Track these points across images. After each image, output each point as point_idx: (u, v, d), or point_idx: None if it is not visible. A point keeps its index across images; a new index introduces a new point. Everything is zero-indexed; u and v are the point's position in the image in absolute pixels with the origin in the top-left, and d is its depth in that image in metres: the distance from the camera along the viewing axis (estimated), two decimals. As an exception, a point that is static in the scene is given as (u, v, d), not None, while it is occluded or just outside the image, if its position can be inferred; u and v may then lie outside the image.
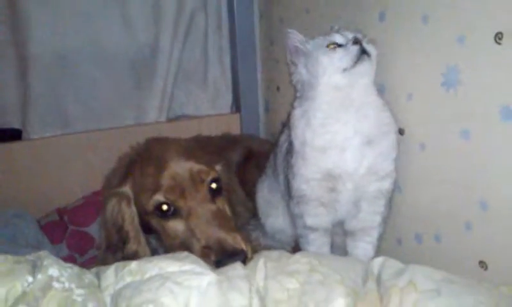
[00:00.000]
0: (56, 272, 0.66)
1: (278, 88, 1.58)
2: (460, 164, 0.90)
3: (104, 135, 1.61)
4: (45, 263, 0.67)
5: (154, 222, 0.98)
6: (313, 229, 1.02)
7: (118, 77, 1.62)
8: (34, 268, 0.66)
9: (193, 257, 0.77)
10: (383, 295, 0.68)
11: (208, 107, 1.76)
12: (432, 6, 0.91)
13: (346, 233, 1.04)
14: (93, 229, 1.43)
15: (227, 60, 1.76)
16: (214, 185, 1.00)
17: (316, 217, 1.01)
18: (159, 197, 0.95)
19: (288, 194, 1.04)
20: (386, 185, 0.98)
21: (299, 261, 0.75)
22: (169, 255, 0.77)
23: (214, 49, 1.74)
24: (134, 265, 0.70)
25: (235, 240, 0.90)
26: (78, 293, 0.63)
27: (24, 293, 0.62)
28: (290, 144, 1.01)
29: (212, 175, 1.00)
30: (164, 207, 0.95)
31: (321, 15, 1.28)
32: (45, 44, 1.49)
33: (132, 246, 0.98)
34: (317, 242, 1.02)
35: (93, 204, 1.50)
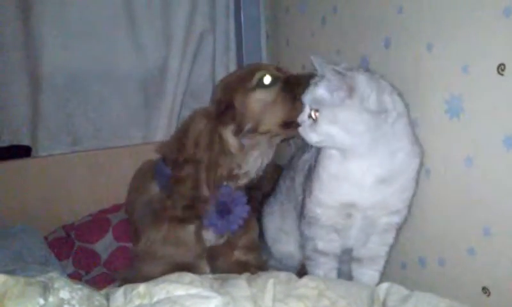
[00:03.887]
0: (67, 294, 0.67)
1: (284, 109, 1.60)
2: (463, 191, 0.91)
3: (112, 153, 1.63)
4: (56, 285, 0.68)
5: (254, 99, 1.05)
6: (323, 253, 1.01)
7: (127, 96, 1.65)
8: (45, 290, 0.67)
9: (200, 280, 0.78)
10: (387, 321, 0.69)
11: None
12: (436, 35, 0.92)
13: (353, 260, 1.03)
14: (99, 247, 1.44)
15: (234, 80, 1.77)
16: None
17: (328, 242, 1.00)
18: (260, 73, 1.05)
19: (301, 213, 1.04)
20: (397, 219, 0.97)
21: (307, 285, 0.76)
22: (175, 278, 0.78)
23: (222, 70, 1.76)
24: (142, 287, 0.71)
25: None
26: (88, 316, 0.64)
27: (36, 316, 0.63)
28: (310, 168, 1.01)
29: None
30: (264, 77, 1.05)
31: (326, 38, 1.30)
32: (56, 64, 1.52)
33: (201, 153, 1.02)
34: (326, 266, 1.02)
35: (100, 221, 1.51)
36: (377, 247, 1.00)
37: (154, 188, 1.15)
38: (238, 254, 1.14)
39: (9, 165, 1.52)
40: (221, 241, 1.13)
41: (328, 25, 1.28)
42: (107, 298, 0.72)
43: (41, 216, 1.51)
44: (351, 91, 0.85)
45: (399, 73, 1.03)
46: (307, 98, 0.90)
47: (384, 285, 0.77)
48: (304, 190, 1.04)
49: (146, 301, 0.69)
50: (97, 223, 1.51)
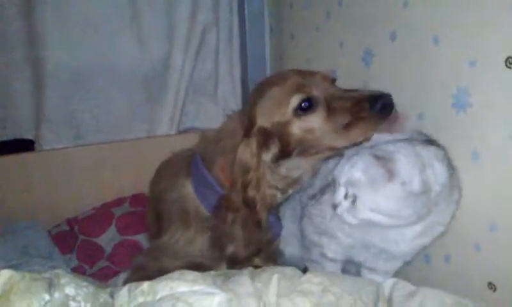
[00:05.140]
0: (73, 291, 0.67)
1: (287, 103, 1.59)
2: (469, 185, 0.90)
3: (116, 147, 1.63)
4: (62, 281, 0.68)
5: (294, 128, 0.97)
6: (332, 259, 1.00)
7: (130, 90, 1.65)
8: (51, 286, 0.67)
9: (202, 277, 0.77)
10: (393, 317, 0.68)
11: (219, 120, 1.77)
12: (443, 28, 0.92)
13: (362, 266, 1.02)
14: (103, 240, 1.45)
15: (237, 75, 1.78)
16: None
17: (336, 252, 1.00)
18: (297, 97, 0.95)
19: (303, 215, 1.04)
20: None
21: (311, 280, 0.75)
22: (177, 275, 0.77)
23: (225, 64, 1.76)
24: (146, 285, 0.71)
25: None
26: (93, 313, 0.64)
27: (41, 312, 0.63)
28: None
29: (331, 76, 1.03)
30: (303, 103, 0.95)
31: (331, 32, 1.29)
32: (59, 59, 1.52)
33: (250, 191, 0.98)
34: (333, 270, 1.01)
35: (103, 215, 1.52)
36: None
37: (188, 187, 1.11)
38: (258, 261, 1.13)
39: (12, 159, 1.52)
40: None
41: (333, 19, 1.27)
42: (112, 295, 0.72)
43: (44, 210, 1.52)
44: (390, 174, 0.79)
45: (405, 67, 1.02)
46: (342, 179, 0.84)
47: (390, 281, 0.77)
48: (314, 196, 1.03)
49: (150, 298, 0.69)
50: (100, 217, 1.52)
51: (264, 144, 0.97)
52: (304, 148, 0.98)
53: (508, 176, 0.82)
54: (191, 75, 1.70)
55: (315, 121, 0.96)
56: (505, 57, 0.79)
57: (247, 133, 1.00)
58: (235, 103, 1.79)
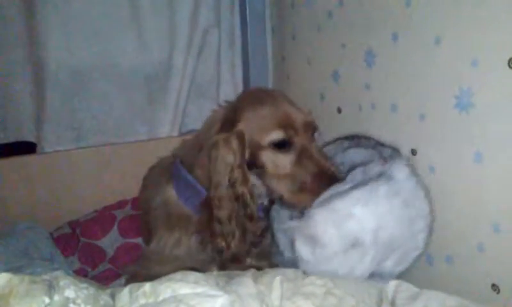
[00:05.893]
0: (73, 293, 0.66)
1: (289, 104, 1.59)
2: (472, 186, 0.89)
3: (117, 149, 1.63)
4: (61, 283, 0.67)
5: (263, 155, 1.04)
6: None
7: (132, 92, 1.65)
8: (51, 289, 0.67)
9: (205, 278, 0.77)
10: (396, 320, 0.68)
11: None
12: (445, 29, 0.91)
13: None
14: (105, 243, 1.44)
15: (239, 76, 1.77)
16: (315, 135, 1.10)
17: None
18: (279, 133, 1.02)
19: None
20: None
21: (314, 283, 0.75)
22: (180, 276, 0.77)
23: (227, 65, 1.75)
24: (148, 286, 0.70)
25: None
26: (93, 315, 0.64)
27: (41, 315, 0.63)
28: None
29: (316, 126, 1.09)
30: (281, 141, 1.02)
31: (333, 33, 1.28)
32: (60, 61, 1.52)
33: (239, 187, 1.02)
34: None
35: (105, 217, 1.52)
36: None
37: (170, 191, 1.15)
38: (251, 261, 1.14)
39: (14, 161, 1.52)
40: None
41: (335, 19, 1.27)
42: (113, 297, 0.72)
43: (46, 212, 1.52)
44: (312, 240, 0.91)
45: (407, 67, 1.02)
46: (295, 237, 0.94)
47: (393, 283, 0.76)
48: None
49: (151, 300, 0.68)
50: (102, 219, 1.51)
51: (242, 146, 1.03)
52: (265, 174, 1.05)
53: (511, 176, 0.82)
54: (193, 76, 1.70)
55: (282, 162, 1.03)
56: (508, 57, 0.78)
57: (225, 124, 1.05)
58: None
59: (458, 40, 0.89)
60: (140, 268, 1.13)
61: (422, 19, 0.97)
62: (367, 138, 1.16)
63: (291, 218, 1.07)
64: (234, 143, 1.02)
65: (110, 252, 1.42)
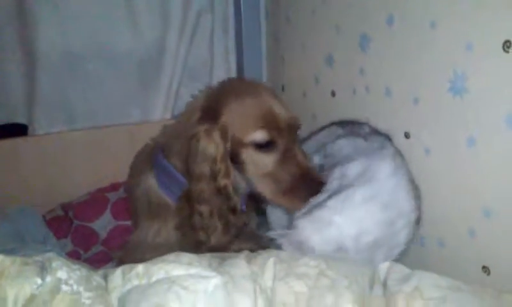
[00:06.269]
0: (65, 274, 0.66)
1: (282, 87, 1.59)
2: (464, 170, 0.90)
3: (110, 132, 1.62)
4: (53, 265, 0.67)
5: (244, 153, 1.01)
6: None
7: (124, 75, 1.63)
8: (43, 270, 0.67)
9: (198, 259, 0.77)
10: (388, 300, 0.68)
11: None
12: (440, 12, 0.90)
13: None
14: (98, 225, 1.44)
15: (233, 59, 1.76)
16: (298, 133, 1.08)
17: None
18: (263, 134, 0.99)
19: None
20: None
21: (308, 263, 0.75)
22: (173, 257, 0.77)
23: (220, 48, 1.74)
24: (140, 267, 0.70)
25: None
26: (86, 296, 0.64)
27: (33, 296, 0.62)
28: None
29: (300, 125, 1.07)
30: (264, 142, 1.00)
31: (327, 16, 1.27)
32: (52, 42, 1.49)
33: (221, 180, 1.00)
34: None
35: (98, 200, 1.51)
36: None
37: (151, 180, 1.14)
38: (239, 244, 1.14)
39: (5, 143, 1.51)
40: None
41: (329, 2, 1.26)
42: (105, 278, 0.72)
43: (38, 195, 1.51)
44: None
45: (402, 52, 1.01)
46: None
47: (385, 264, 0.77)
48: None
49: (144, 281, 0.69)
50: (95, 202, 1.51)
51: (225, 139, 1.00)
52: (245, 170, 1.03)
53: (504, 161, 0.82)
54: (186, 59, 1.68)
55: (264, 163, 1.01)
56: (502, 41, 0.78)
57: (207, 113, 1.02)
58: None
59: (453, 24, 0.88)
60: (125, 255, 1.14)
61: (417, 3, 0.96)
62: (361, 124, 1.15)
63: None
64: (216, 135, 0.99)
65: (103, 234, 1.42)
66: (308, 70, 1.39)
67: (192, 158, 1.00)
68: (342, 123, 1.20)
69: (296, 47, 1.45)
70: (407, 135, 1.02)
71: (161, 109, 1.69)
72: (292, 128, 1.04)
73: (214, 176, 1.00)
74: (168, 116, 1.70)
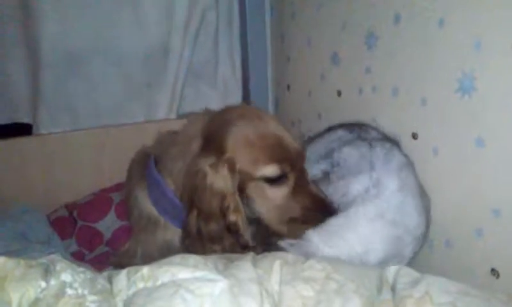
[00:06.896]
0: (69, 277, 0.65)
1: (288, 87, 1.58)
2: (473, 171, 0.89)
3: (114, 131, 1.61)
4: (57, 267, 0.66)
5: (253, 187, 0.98)
6: None
7: (129, 74, 1.62)
8: (47, 273, 0.66)
9: (204, 262, 0.76)
10: (397, 304, 0.67)
11: (218, 105, 1.73)
12: (448, 11, 0.90)
13: None
14: (102, 226, 1.44)
15: (237, 58, 1.75)
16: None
17: None
18: (274, 168, 0.96)
19: None
20: None
21: (314, 267, 0.74)
22: (179, 260, 0.76)
23: (225, 47, 1.73)
24: (146, 270, 0.69)
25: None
26: (91, 300, 0.63)
27: (37, 300, 0.62)
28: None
29: (305, 153, 1.06)
30: (275, 176, 0.97)
31: (333, 12, 1.26)
32: (56, 41, 1.49)
33: (232, 216, 0.96)
34: None
35: (103, 200, 1.51)
36: None
37: (141, 192, 1.12)
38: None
39: (9, 143, 1.50)
40: None
41: (335, -2, 1.25)
42: (110, 281, 0.71)
43: (42, 194, 1.51)
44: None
45: (409, 50, 1.00)
46: None
47: (394, 268, 0.76)
48: None
49: (150, 284, 0.68)
50: (100, 202, 1.51)
51: (232, 173, 0.96)
52: (253, 202, 1.00)
53: (513, 161, 0.81)
54: (190, 58, 1.67)
55: (275, 196, 0.98)
56: (511, 40, 0.77)
57: (209, 142, 0.99)
58: (235, 86, 1.78)
59: (461, 23, 0.87)
60: (119, 263, 1.13)
61: (424, 1, 0.95)
62: (369, 128, 1.13)
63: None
64: (224, 170, 0.95)
65: (107, 235, 1.42)
66: (314, 68, 1.38)
67: (199, 194, 0.96)
68: (349, 126, 1.17)
69: (302, 45, 1.43)
70: (415, 136, 1.01)
71: (166, 108, 1.68)
72: (300, 157, 1.01)
73: (223, 213, 0.96)
74: (173, 115, 1.69)
